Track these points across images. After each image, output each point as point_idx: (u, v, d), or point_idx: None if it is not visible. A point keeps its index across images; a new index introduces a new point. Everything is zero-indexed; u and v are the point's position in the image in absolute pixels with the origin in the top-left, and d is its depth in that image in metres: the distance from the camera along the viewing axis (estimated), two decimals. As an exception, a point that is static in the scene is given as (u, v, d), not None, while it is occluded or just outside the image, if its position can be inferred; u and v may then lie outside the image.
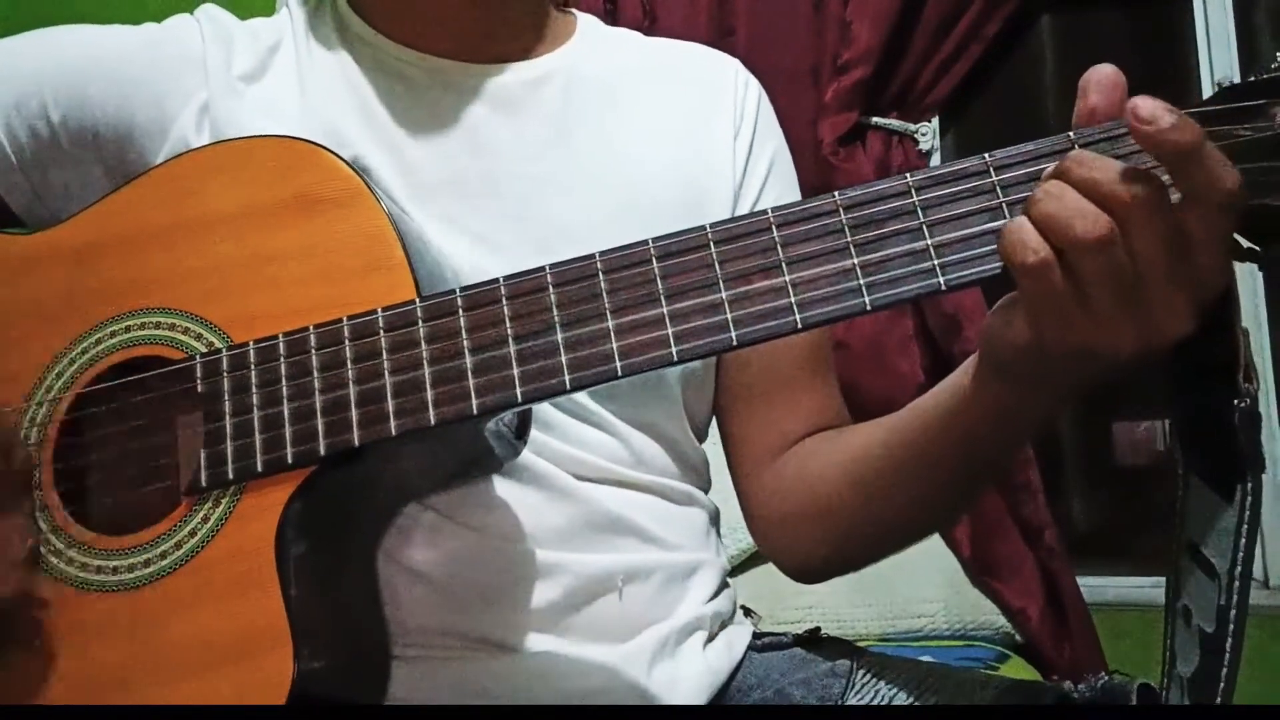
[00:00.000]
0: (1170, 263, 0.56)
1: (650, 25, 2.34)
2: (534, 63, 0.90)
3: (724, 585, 0.90)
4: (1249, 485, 0.56)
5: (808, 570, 0.90)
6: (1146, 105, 0.54)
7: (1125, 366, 0.59)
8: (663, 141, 0.90)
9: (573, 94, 0.90)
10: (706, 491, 0.93)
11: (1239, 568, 0.54)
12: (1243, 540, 0.54)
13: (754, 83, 0.97)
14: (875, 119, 2.26)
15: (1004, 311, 0.63)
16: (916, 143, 2.28)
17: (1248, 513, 0.55)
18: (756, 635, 0.91)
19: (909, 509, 0.80)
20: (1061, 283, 0.56)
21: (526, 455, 0.78)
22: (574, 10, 0.98)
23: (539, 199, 0.84)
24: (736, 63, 0.98)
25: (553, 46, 0.92)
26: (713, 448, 0.95)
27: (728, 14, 2.33)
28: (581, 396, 0.82)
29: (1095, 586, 2.21)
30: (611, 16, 2.36)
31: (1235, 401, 0.55)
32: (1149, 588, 2.23)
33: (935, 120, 2.33)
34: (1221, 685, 0.54)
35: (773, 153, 0.95)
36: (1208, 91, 0.60)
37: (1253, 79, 0.57)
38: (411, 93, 0.86)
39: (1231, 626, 0.54)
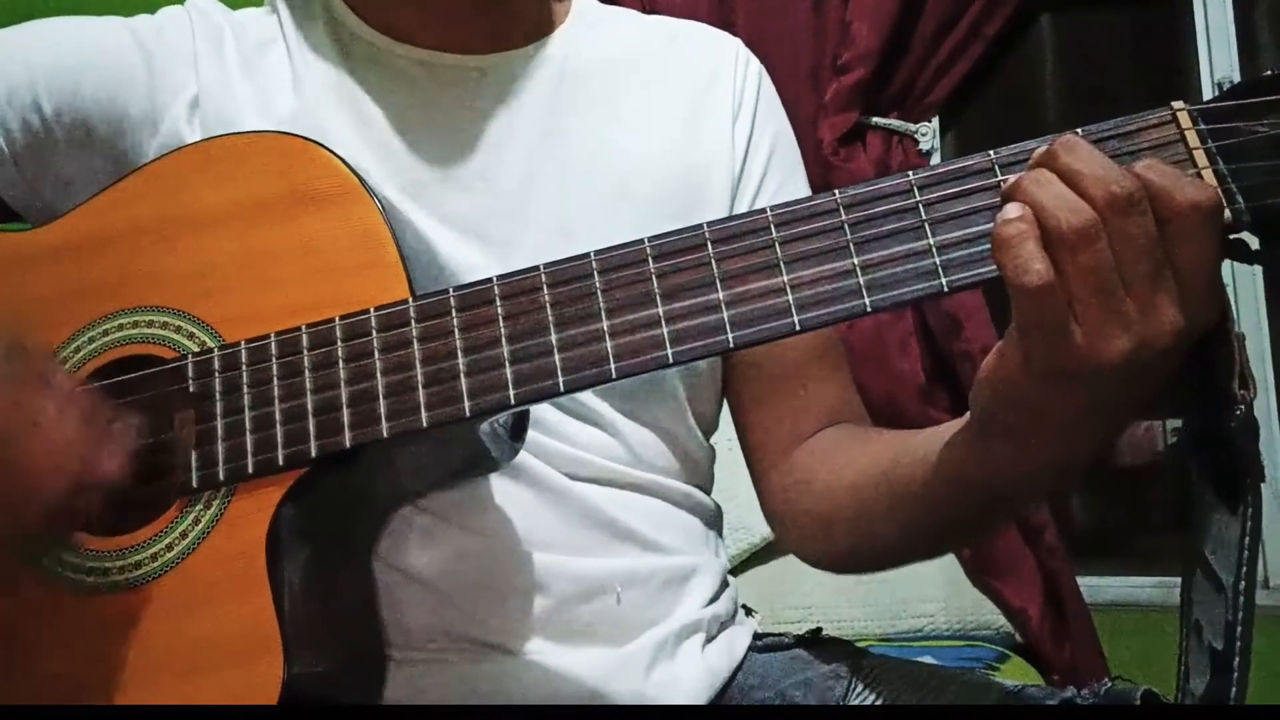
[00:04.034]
0: (1153, 269, 0.55)
1: (649, 23, 2.34)
2: (527, 51, 0.88)
3: (724, 586, 0.90)
4: (1249, 497, 0.55)
5: (820, 566, 0.89)
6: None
7: (1113, 406, 0.58)
8: (659, 128, 0.89)
9: (566, 83, 0.88)
10: (708, 490, 0.92)
11: (1243, 582, 0.53)
12: (1245, 553, 0.54)
13: (754, 63, 0.95)
14: (875, 119, 2.26)
15: (990, 358, 0.62)
16: (916, 143, 2.28)
17: (1249, 523, 0.54)
18: (757, 636, 0.90)
19: (904, 537, 0.79)
20: (1063, 305, 0.55)
21: (521, 455, 0.77)
22: None
23: (532, 193, 0.83)
24: (737, 42, 0.96)
25: (548, 31, 0.91)
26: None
27: (728, 13, 2.33)
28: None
29: (1095, 586, 2.20)
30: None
31: (1231, 407, 0.54)
32: (1149, 588, 2.23)
33: (935, 120, 2.33)
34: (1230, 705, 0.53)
35: (773, 136, 0.93)
36: (1208, 91, 0.59)
37: (1270, 73, 0.56)
38: (404, 89, 0.85)
39: (1238, 644, 0.53)
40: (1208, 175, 0.57)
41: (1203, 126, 0.58)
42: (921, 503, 0.73)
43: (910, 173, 0.60)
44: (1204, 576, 0.56)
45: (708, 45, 0.96)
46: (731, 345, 0.60)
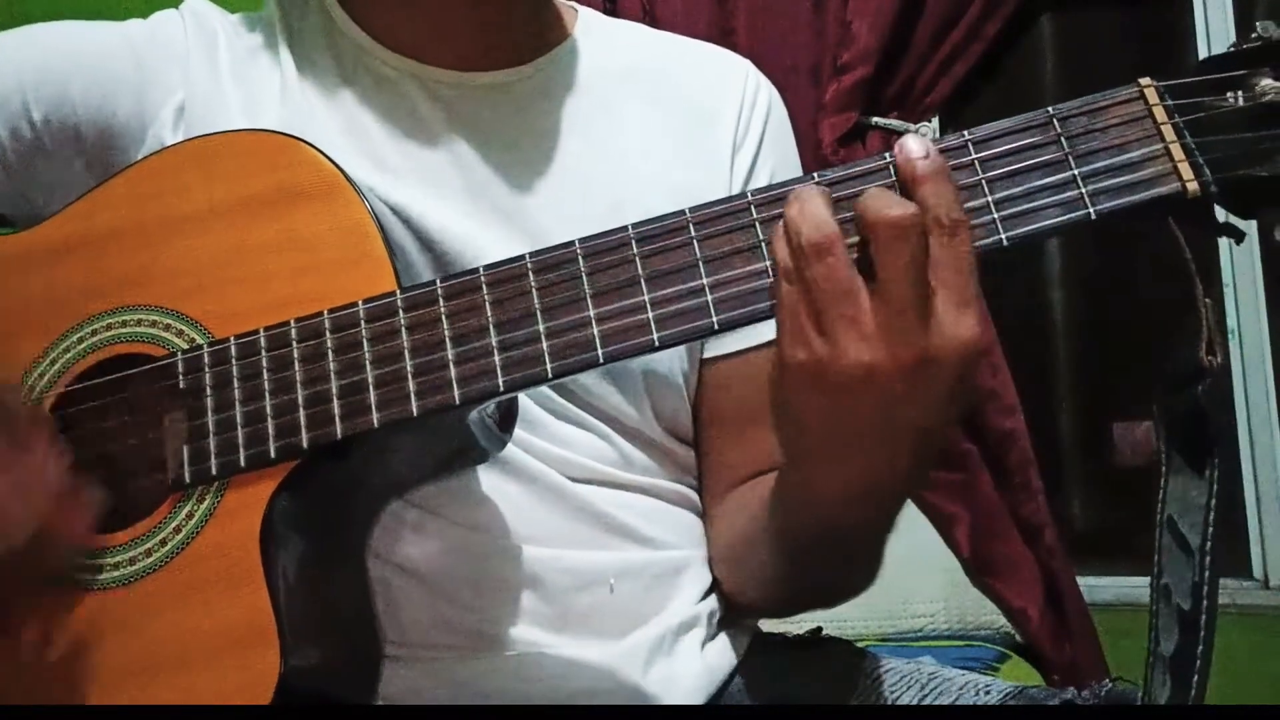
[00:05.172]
0: (903, 291, 0.56)
1: (650, 25, 2.33)
2: (529, 69, 0.87)
3: (720, 580, 0.89)
4: (1215, 460, 0.56)
5: (746, 609, 0.88)
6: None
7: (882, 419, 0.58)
8: (658, 149, 0.87)
9: (566, 103, 0.87)
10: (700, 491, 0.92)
11: (1209, 543, 0.54)
12: (1212, 515, 0.54)
13: (765, 90, 0.93)
14: (875, 119, 2.26)
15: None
16: (916, 143, 2.27)
17: (1215, 486, 0.55)
18: (757, 635, 0.90)
19: (783, 575, 0.79)
20: (795, 293, 0.57)
21: (515, 453, 0.77)
22: (575, 4, 0.95)
23: (524, 210, 0.83)
24: (748, 66, 0.94)
25: (552, 45, 0.89)
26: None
27: (728, 14, 2.33)
28: (559, 396, 0.81)
29: (1095, 586, 2.21)
30: (611, 16, 2.36)
31: (1199, 375, 0.55)
32: (1149, 588, 2.23)
33: (935, 120, 2.33)
34: (1198, 663, 0.53)
35: (773, 171, 0.91)
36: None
37: (1233, 48, 0.57)
38: (398, 104, 0.84)
39: (1205, 603, 0.54)
40: (1175, 149, 0.58)
41: (1170, 102, 0.59)
42: (779, 535, 0.74)
43: (887, 154, 0.60)
44: (1172, 539, 0.57)
45: (716, 69, 0.94)
46: (716, 328, 0.60)
